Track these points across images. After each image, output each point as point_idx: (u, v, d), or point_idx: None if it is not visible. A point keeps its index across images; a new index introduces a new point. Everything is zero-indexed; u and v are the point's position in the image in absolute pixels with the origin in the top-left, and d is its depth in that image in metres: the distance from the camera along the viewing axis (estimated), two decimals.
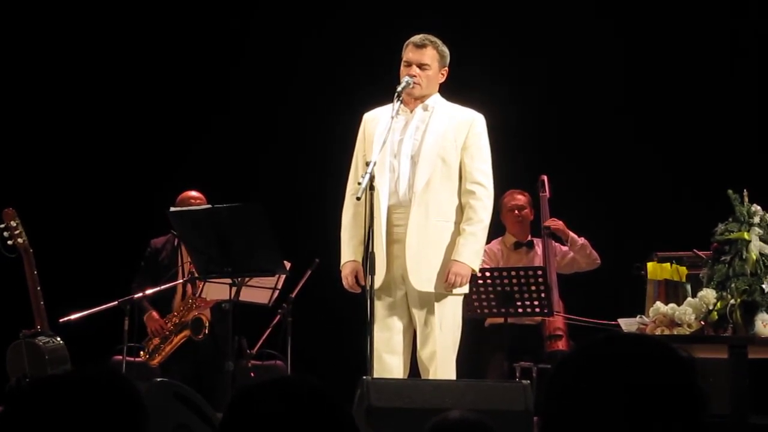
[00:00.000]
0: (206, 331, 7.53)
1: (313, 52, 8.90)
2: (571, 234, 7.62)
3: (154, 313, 7.65)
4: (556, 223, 7.63)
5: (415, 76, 5.85)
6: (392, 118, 5.77)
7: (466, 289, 5.87)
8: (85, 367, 2.14)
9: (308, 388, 2.02)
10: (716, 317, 5.22)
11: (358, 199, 5.55)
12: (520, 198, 7.81)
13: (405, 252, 5.75)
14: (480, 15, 8.61)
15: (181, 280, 7.60)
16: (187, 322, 7.58)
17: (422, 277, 5.74)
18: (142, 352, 7.61)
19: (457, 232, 5.81)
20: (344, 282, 5.91)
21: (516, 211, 7.78)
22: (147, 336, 7.66)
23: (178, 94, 8.94)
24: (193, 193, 7.68)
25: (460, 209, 5.85)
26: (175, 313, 7.64)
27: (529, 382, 5.42)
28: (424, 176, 5.79)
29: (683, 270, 5.64)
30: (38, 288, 6.76)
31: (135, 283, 7.61)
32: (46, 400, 2.05)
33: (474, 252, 5.80)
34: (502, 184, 6.76)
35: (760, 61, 8.24)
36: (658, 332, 5.21)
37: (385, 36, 6.91)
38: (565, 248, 7.68)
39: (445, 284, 5.73)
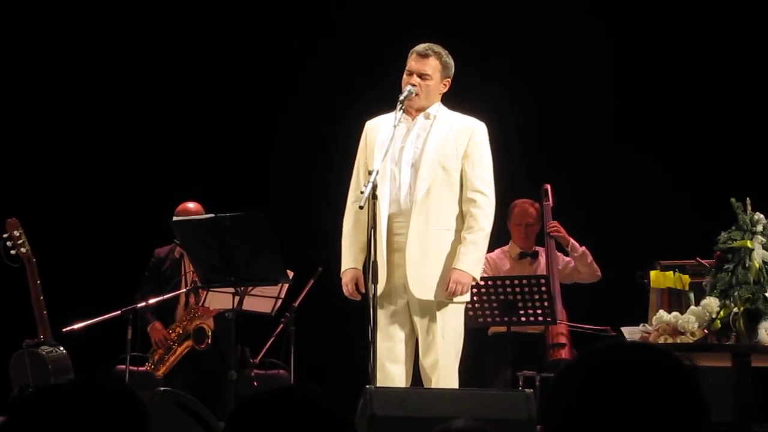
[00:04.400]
0: (209, 341, 7.53)
1: (316, 60, 8.91)
2: (572, 240, 7.62)
3: (158, 324, 7.65)
4: (557, 227, 7.61)
5: (415, 85, 5.85)
6: (394, 126, 5.77)
7: (467, 297, 5.86)
8: (88, 376, 2.14)
9: (310, 398, 2.02)
10: (719, 325, 5.22)
11: (361, 207, 5.55)
12: (532, 213, 7.77)
13: (405, 260, 5.75)
14: (482, 23, 8.61)
15: (183, 290, 7.60)
16: (189, 331, 7.58)
17: (423, 285, 5.74)
18: (147, 363, 7.61)
19: (457, 241, 5.80)
20: (344, 289, 5.90)
21: (524, 228, 7.77)
22: (151, 346, 7.66)
23: (181, 103, 8.95)
24: (191, 205, 7.66)
25: (461, 217, 5.84)
26: (179, 323, 7.64)
27: (532, 390, 5.42)
28: (425, 184, 5.78)
29: (686, 278, 5.63)
30: (41, 297, 6.76)
31: (139, 293, 7.61)
32: (49, 410, 2.05)
33: (475, 260, 5.79)
34: (505, 192, 6.75)
35: (762, 68, 8.24)
36: (661, 341, 5.21)
37: (388, 44, 6.92)
38: (567, 258, 7.68)
39: (446, 292, 5.72)
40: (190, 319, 7.59)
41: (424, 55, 5.89)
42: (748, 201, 5.39)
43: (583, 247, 7.62)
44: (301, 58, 8.97)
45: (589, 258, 7.61)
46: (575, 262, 7.63)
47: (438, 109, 5.95)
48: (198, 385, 7.41)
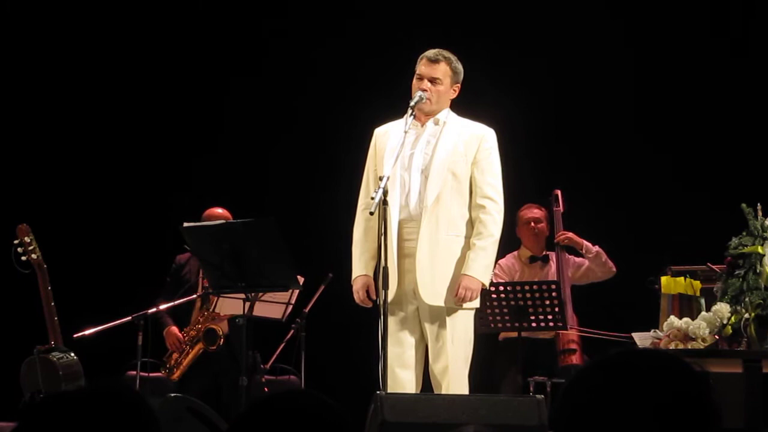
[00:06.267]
0: (221, 342, 7.51)
1: (326, 66, 8.92)
2: (585, 243, 7.60)
3: (173, 328, 7.62)
4: (567, 235, 7.60)
5: (426, 90, 5.85)
6: (405, 132, 5.78)
7: (476, 303, 5.86)
8: (98, 382, 2.15)
9: (315, 403, 2.02)
10: (730, 331, 5.21)
11: (372, 213, 5.56)
12: (537, 211, 7.79)
13: (416, 266, 5.75)
14: (491, 29, 8.61)
15: (194, 296, 7.59)
16: (200, 334, 7.57)
17: (433, 291, 5.74)
18: (162, 369, 7.59)
19: (467, 247, 5.81)
20: (355, 296, 5.91)
21: (532, 224, 7.76)
22: (166, 351, 7.65)
23: (194, 108, 8.96)
24: (219, 211, 7.61)
25: (471, 223, 5.85)
26: (193, 326, 7.63)
27: (543, 396, 5.42)
28: (435, 190, 5.79)
29: (697, 284, 5.62)
30: (52, 303, 6.77)
31: (160, 298, 7.58)
32: (60, 416, 2.06)
33: (484, 266, 5.80)
34: (515, 198, 6.75)
35: None
36: (672, 346, 5.20)
37: (397, 51, 6.92)
38: (579, 259, 7.66)
39: (455, 299, 5.73)
40: (204, 322, 7.58)
41: (434, 60, 5.91)
42: (759, 206, 5.38)
43: (597, 247, 7.61)
44: (311, 63, 8.97)
45: (604, 257, 7.60)
46: (590, 262, 7.62)
47: (447, 116, 5.96)
48: (213, 390, 7.40)
